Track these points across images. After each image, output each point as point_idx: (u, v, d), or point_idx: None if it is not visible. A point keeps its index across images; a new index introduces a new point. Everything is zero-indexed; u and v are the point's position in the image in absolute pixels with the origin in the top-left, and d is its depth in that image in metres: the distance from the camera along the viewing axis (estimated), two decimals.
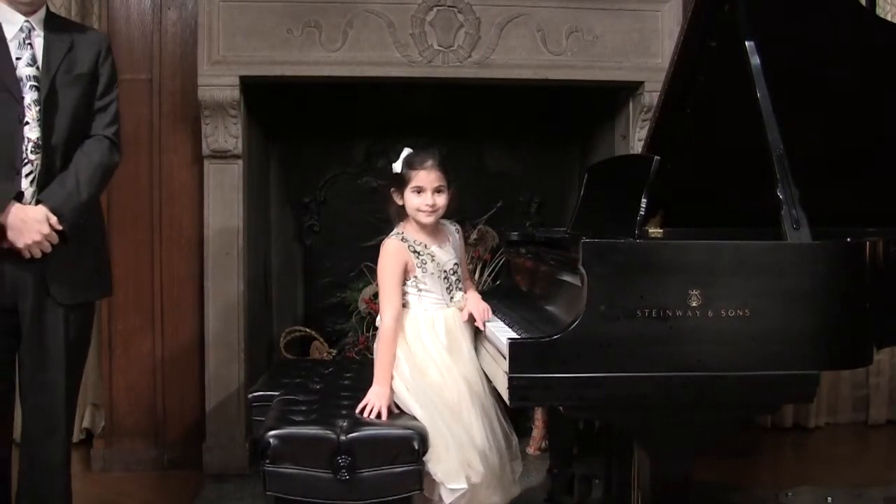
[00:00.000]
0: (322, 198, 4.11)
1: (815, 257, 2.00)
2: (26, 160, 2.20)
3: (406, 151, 2.41)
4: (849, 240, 2.08)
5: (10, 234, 2.15)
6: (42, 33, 2.28)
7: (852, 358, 2.08)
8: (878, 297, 2.07)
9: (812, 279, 1.97)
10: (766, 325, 1.92)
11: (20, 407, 2.34)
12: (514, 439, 2.43)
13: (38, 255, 2.19)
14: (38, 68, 2.24)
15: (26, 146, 2.20)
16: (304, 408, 2.40)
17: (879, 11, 3.80)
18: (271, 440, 2.31)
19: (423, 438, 2.18)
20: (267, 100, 3.71)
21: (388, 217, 2.49)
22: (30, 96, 2.22)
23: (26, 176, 2.20)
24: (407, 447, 2.17)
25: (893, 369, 4.25)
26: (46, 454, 2.30)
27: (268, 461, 2.25)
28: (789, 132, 2.11)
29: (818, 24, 2.38)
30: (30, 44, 2.25)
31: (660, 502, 2.04)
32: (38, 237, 2.16)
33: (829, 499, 3.14)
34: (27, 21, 2.26)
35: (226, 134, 3.45)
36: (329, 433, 2.17)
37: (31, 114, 2.21)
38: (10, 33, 2.23)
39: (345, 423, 2.22)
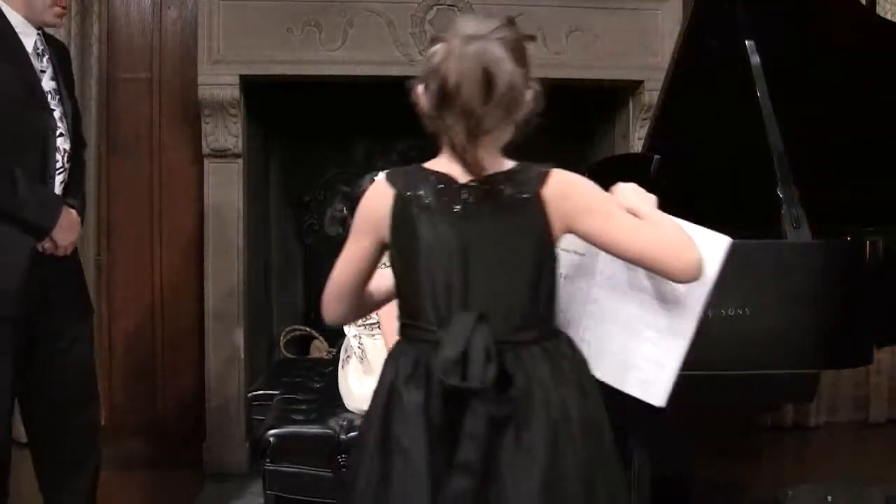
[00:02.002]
0: (322, 197, 4.11)
1: (814, 256, 2.00)
2: (61, 168, 2.30)
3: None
4: (848, 239, 2.08)
5: (61, 235, 2.27)
6: (47, 47, 2.33)
7: (852, 357, 2.08)
8: (878, 296, 2.07)
9: (812, 278, 1.97)
10: (766, 324, 1.92)
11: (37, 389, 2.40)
12: None
13: (69, 252, 2.34)
14: (57, 81, 2.32)
15: (62, 156, 2.31)
16: (304, 407, 2.41)
17: (879, 11, 3.80)
18: (271, 439, 2.32)
19: None
20: (267, 99, 3.71)
21: None
22: (59, 109, 2.30)
23: (60, 183, 2.31)
24: None
25: (893, 368, 4.24)
26: (90, 416, 2.50)
27: (268, 460, 2.26)
28: (789, 131, 2.11)
29: (818, 23, 2.38)
30: (48, 58, 2.31)
31: (659, 502, 2.04)
32: (75, 236, 2.33)
33: (829, 497, 3.14)
34: (39, 34, 2.29)
35: (226, 133, 3.45)
36: (329, 432, 2.18)
37: (63, 126, 2.31)
38: (28, 46, 2.26)
39: (344, 422, 2.22)
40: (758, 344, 1.92)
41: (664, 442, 2.00)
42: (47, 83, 2.28)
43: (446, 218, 1.37)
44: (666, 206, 2.44)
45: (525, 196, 1.38)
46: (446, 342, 1.30)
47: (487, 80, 1.31)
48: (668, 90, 2.54)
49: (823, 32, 2.37)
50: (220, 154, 3.45)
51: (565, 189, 1.41)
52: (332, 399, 2.46)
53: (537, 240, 1.38)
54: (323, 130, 4.05)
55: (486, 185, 1.39)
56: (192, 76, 3.45)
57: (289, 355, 3.86)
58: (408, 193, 1.38)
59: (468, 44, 1.32)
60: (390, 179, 1.41)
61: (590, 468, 1.37)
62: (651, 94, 3.47)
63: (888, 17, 3.91)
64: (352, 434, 2.16)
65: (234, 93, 3.39)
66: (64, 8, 2.32)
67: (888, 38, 2.47)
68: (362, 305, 1.55)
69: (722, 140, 2.43)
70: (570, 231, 1.40)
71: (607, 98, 3.86)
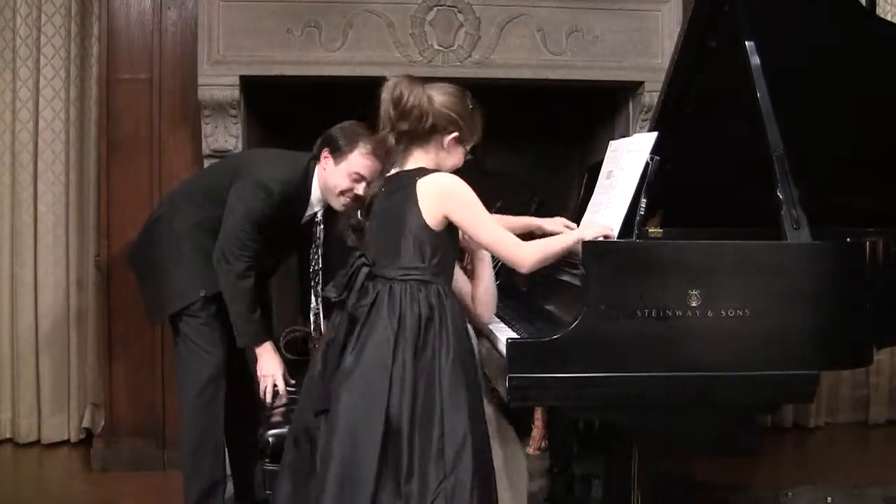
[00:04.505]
0: None
1: (814, 257, 2.00)
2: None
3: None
4: (848, 240, 2.08)
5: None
6: (324, 222, 2.83)
7: (852, 358, 2.08)
8: (878, 296, 2.07)
9: (812, 279, 1.97)
10: (766, 325, 1.92)
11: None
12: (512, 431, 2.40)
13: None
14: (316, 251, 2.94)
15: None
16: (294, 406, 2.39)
17: (879, 11, 3.80)
18: (271, 439, 2.31)
19: None
20: (267, 99, 3.71)
21: None
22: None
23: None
24: None
25: (893, 369, 4.25)
26: None
27: (267, 460, 2.25)
28: (789, 132, 2.11)
29: (818, 23, 2.38)
30: (321, 229, 2.84)
31: (660, 502, 2.04)
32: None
33: (829, 499, 3.14)
34: (322, 210, 2.77)
35: (226, 134, 3.45)
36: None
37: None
38: (308, 212, 2.72)
39: None
40: (758, 344, 1.92)
41: (664, 442, 2.00)
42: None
43: (380, 197, 2.03)
44: (666, 207, 2.46)
45: (407, 185, 1.95)
46: (342, 271, 1.99)
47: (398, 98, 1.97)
48: (668, 91, 2.54)
49: (823, 33, 2.37)
50: (220, 154, 3.45)
51: (434, 186, 1.94)
52: None
53: (411, 214, 1.93)
54: (323, 131, 4.05)
55: (393, 177, 2.01)
56: (192, 76, 3.45)
57: (289, 356, 3.86)
58: (379, 184, 2.09)
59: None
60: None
61: (406, 374, 1.87)
62: (651, 95, 3.48)
63: (888, 17, 3.91)
64: None
65: (234, 93, 3.39)
66: (350, 201, 2.60)
67: (888, 39, 2.46)
68: None
69: (722, 140, 2.43)
70: (446, 215, 1.95)
71: (607, 98, 3.86)
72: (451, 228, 1.98)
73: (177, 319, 2.71)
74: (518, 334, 2.13)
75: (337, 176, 2.61)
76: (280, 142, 4.06)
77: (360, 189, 2.58)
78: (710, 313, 1.90)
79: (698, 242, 2.00)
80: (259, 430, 2.49)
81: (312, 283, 2.89)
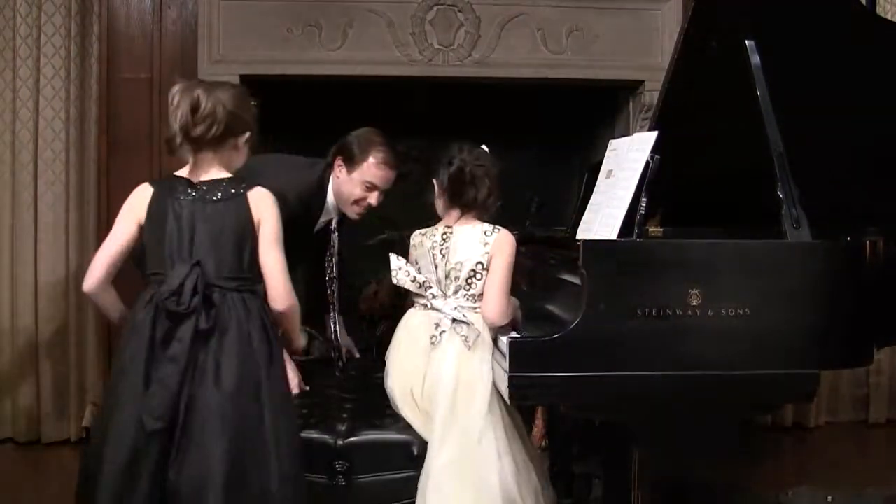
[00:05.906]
0: None
1: (814, 256, 2.00)
2: None
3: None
4: (848, 239, 2.08)
5: None
6: (338, 230, 2.79)
7: (852, 357, 2.08)
8: (877, 296, 2.07)
9: (812, 278, 1.97)
10: (766, 325, 1.92)
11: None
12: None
13: None
14: (331, 254, 2.83)
15: None
16: (304, 410, 2.38)
17: (879, 11, 3.80)
18: None
19: (422, 443, 2.15)
20: (267, 99, 3.70)
21: (385, 215, 2.45)
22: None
23: None
24: (406, 452, 2.15)
25: (893, 369, 4.24)
26: None
27: None
28: (789, 131, 2.11)
29: (818, 23, 2.38)
30: (336, 237, 2.80)
31: (659, 502, 2.04)
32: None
33: (829, 498, 3.14)
34: (337, 218, 2.76)
35: None
36: (326, 437, 2.15)
37: None
38: (322, 219, 2.73)
39: (343, 427, 2.20)
40: (758, 344, 1.92)
41: (664, 441, 2.00)
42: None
43: (183, 203, 1.97)
44: (666, 206, 2.46)
45: (235, 193, 1.99)
46: (169, 279, 1.91)
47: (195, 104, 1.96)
48: (668, 90, 2.54)
49: (823, 32, 2.37)
50: None
51: (261, 200, 2.00)
52: (332, 402, 2.44)
53: (241, 223, 1.97)
54: (323, 131, 4.03)
55: (208, 185, 1.99)
56: (192, 76, 3.44)
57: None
58: (163, 189, 2.02)
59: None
60: (153, 184, 2.05)
61: (263, 384, 1.92)
62: (651, 94, 3.48)
63: (888, 17, 3.91)
64: (350, 439, 2.15)
65: None
66: (363, 210, 2.68)
67: (888, 39, 2.46)
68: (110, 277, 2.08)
69: (722, 140, 2.43)
70: (258, 229, 2.00)
71: (607, 98, 3.86)
72: None
73: None
74: (519, 334, 2.13)
75: (350, 185, 2.63)
76: (280, 142, 4.07)
77: (373, 199, 2.63)
78: (710, 312, 1.90)
79: (698, 242, 1.99)
80: None
81: (329, 291, 2.87)
